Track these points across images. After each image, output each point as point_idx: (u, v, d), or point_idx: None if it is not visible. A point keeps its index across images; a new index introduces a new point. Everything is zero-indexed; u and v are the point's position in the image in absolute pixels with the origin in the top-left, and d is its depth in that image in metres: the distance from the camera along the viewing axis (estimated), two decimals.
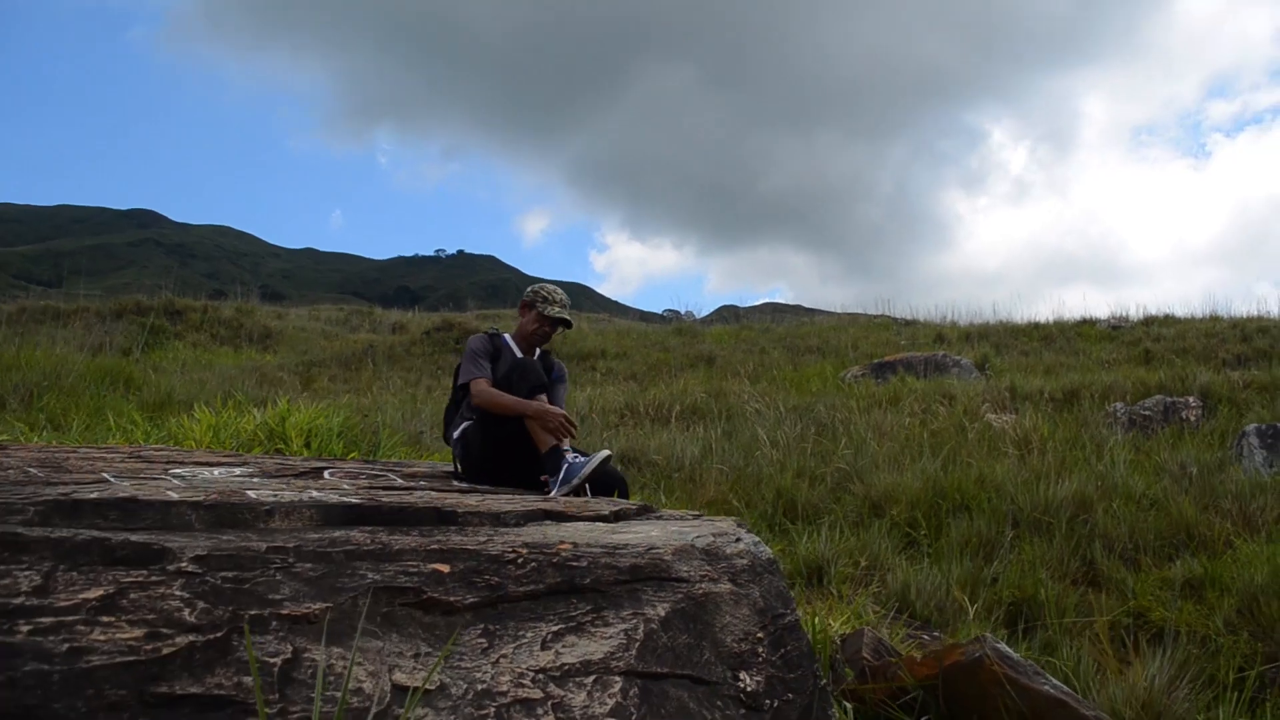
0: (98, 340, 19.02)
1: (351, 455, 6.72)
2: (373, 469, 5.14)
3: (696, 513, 3.74)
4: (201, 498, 2.48)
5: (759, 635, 2.31)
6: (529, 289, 5.24)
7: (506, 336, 5.17)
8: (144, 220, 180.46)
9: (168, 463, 4.68)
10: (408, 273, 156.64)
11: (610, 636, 1.94)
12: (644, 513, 3.51)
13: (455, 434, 4.99)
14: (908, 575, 5.87)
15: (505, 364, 4.97)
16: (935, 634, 5.02)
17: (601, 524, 2.83)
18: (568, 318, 5.16)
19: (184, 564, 1.71)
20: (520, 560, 2.07)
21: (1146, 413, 10.44)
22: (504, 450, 4.74)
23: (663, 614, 2.08)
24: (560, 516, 2.87)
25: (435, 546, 2.08)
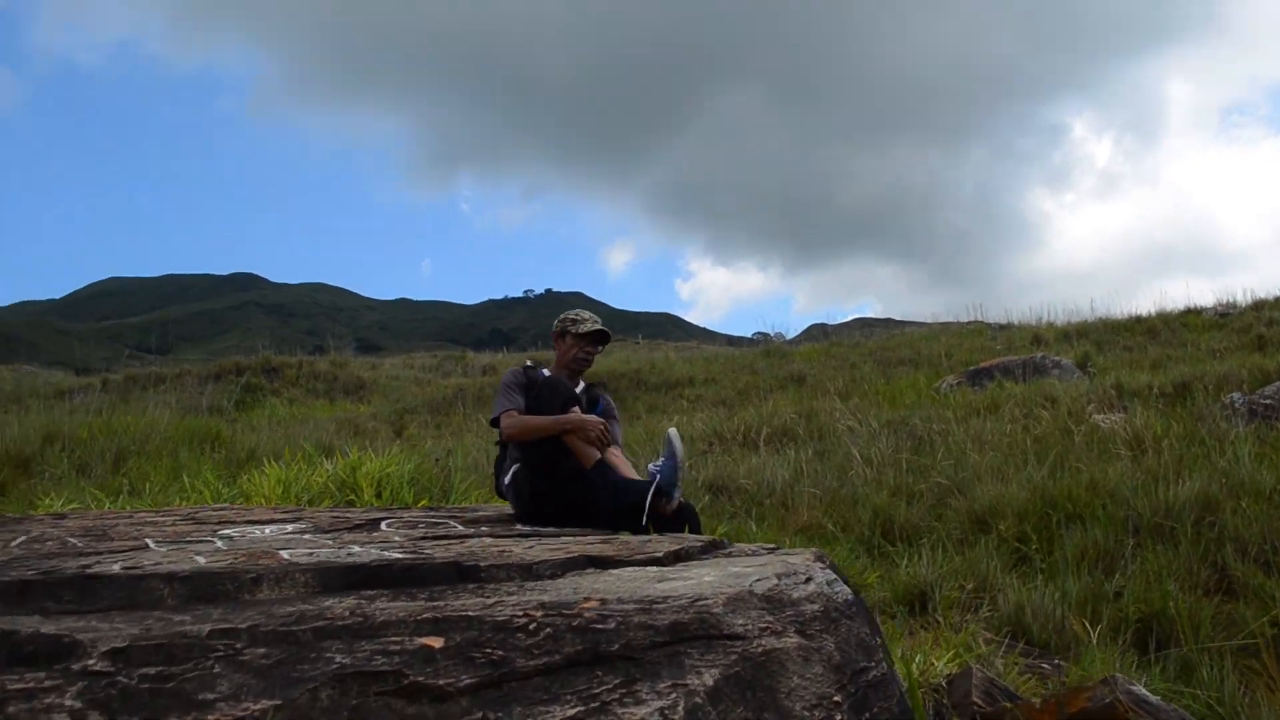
0: (194, 402, 19.37)
1: (422, 502, 6.49)
2: (436, 515, 4.87)
3: (771, 546, 3.36)
4: (189, 568, 2.19)
5: (836, 699, 1.92)
6: (557, 320, 5.02)
7: (544, 370, 4.88)
8: (244, 284, 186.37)
9: (219, 523, 4.47)
10: (499, 315, 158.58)
11: (643, 718, 1.59)
12: (712, 550, 3.16)
13: (506, 480, 4.71)
14: (1020, 596, 5.35)
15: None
16: (1056, 661, 4.53)
17: (653, 568, 2.48)
18: (604, 328, 4.91)
19: (92, 661, 1.42)
20: (532, 626, 1.74)
21: (1268, 401, 9.66)
22: (556, 483, 4.42)
23: (710, 683, 1.72)
24: (606, 563, 2.52)
25: (429, 615, 1.75)
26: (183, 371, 25.16)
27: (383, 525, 4.44)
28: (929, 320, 25.36)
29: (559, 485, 4.42)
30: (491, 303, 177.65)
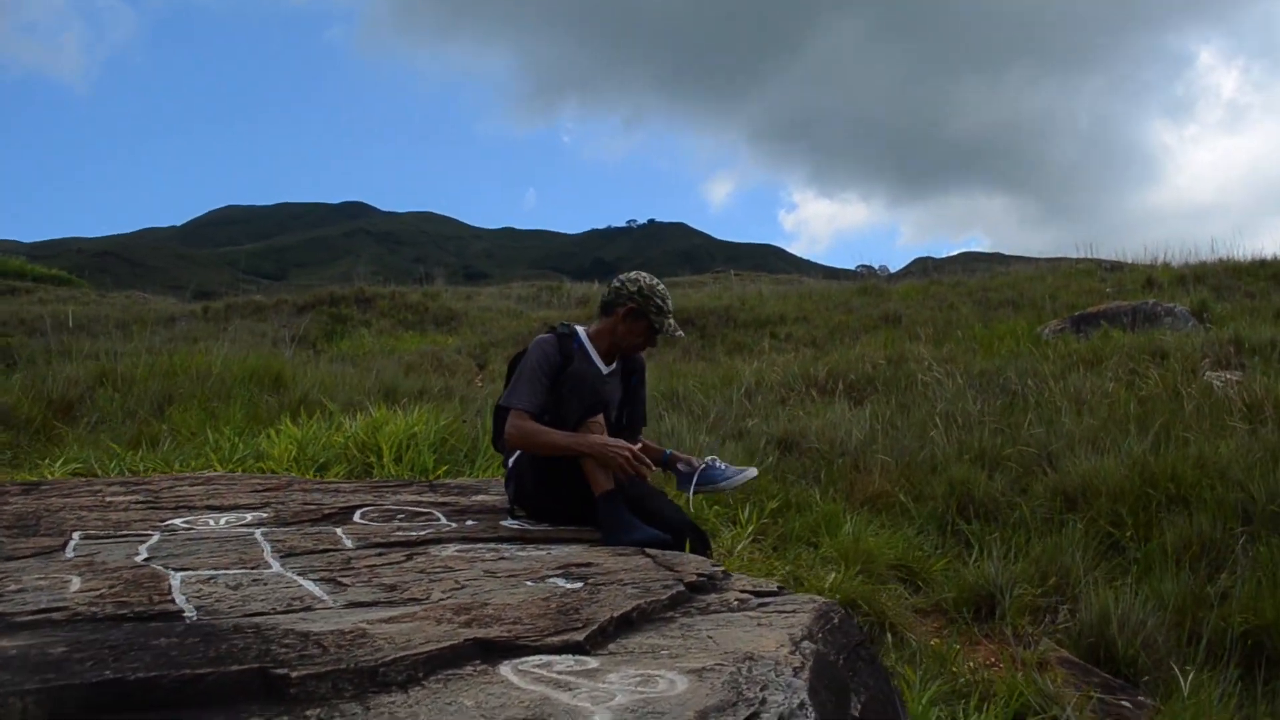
0: (287, 331, 19.29)
1: (440, 470, 5.98)
2: (424, 501, 4.32)
3: (777, 586, 2.69)
4: None
5: None
6: (630, 286, 4.09)
7: (582, 335, 4.14)
8: (354, 212, 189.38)
9: (177, 506, 3.98)
10: (601, 245, 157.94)
11: None
12: (685, 602, 2.51)
13: (510, 461, 4.07)
14: (1105, 600, 4.57)
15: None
16: (1140, 698, 3.79)
17: (568, 661, 1.84)
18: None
19: None
20: None
21: None
22: (563, 490, 3.80)
23: None
24: (503, 650, 1.89)
25: None
26: (279, 301, 25.23)
27: (355, 516, 3.92)
28: (1037, 256, 23.97)
29: (572, 495, 3.79)
30: (594, 232, 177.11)
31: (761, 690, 1.65)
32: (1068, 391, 8.60)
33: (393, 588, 2.57)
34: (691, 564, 2.90)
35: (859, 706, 1.98)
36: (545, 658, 1.85)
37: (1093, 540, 5.68)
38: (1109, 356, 9.71)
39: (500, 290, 33.28)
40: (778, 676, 1.74)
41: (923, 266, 30.10)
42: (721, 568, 2.87)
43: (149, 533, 3.58)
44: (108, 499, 4.28)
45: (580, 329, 4.15)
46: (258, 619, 2.22)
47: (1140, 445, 6.64)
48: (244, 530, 3.61)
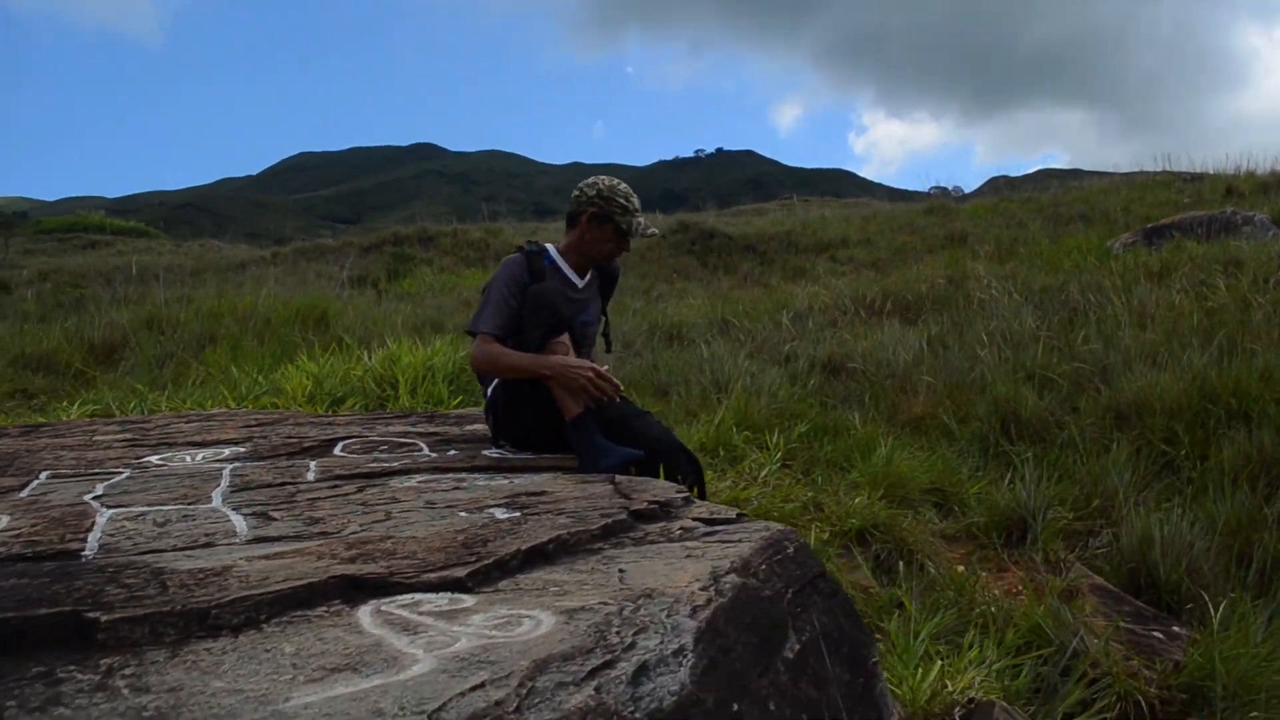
0: (352, 273, 19.34)
1: (455, 401, 5.81)
2: (416, 430, 4.14)
3: (736, 513, 2.44)
4: None
5: None
6: (589, 191, 3.83)
7: (552, 251, 3.89)
8: (425, 153, 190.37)
9: (159, 444, 3.86)
10: (670, 176, 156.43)
11: None
12: (635, 524, 2.28)
13: (489, 391, 3.86)
14: (1149, 523, 4.23)
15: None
16: (1174, 629, 3.47)
17: (423, 609, 1.62)
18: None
19: None
20: None
21: None
22: (538, 415, 3.57)
23: None
24: (374, 588, 1.68)
25: None
26: (345, 243, 25.39)
27: (336, 449, 3.76)
28: (1114, 172, 22.97)
29: (538, 417, 3.56)
30: (662, 163, 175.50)
31: (634, 634, 1.41)
32: (1131, 305, 8.12)
33: (316, 520, 2.39)
34: (653, 490, 2.66)
35: (795, 648, 1.73)
36: (416, 596, 1.63)
37: (1144, 461, 5.31)
38: (1178, 268, 9.15)
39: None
40: (668, 617, 1.50)
41: (997, 186, 29.09)
42: (685, 494, 2.62)
43: (119, 470, 3.45)
44: (95, 438, 4.17)
45: (550, 246, 3.90)
46: (148, 556, 2.05)
47: (1202, 358, 6.20)
48: (215, 466, 3.46)
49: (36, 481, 3.28)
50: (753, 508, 4.33)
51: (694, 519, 2.33)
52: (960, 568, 3.93)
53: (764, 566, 1.93)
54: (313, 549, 1.96)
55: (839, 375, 8.19)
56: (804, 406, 7.02)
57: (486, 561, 1.80)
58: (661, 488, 2.72)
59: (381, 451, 3.70)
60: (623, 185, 3.83)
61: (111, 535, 2.35)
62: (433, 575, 1.71)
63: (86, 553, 2.19)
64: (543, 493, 2.66)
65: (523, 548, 1.92)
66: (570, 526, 2.14)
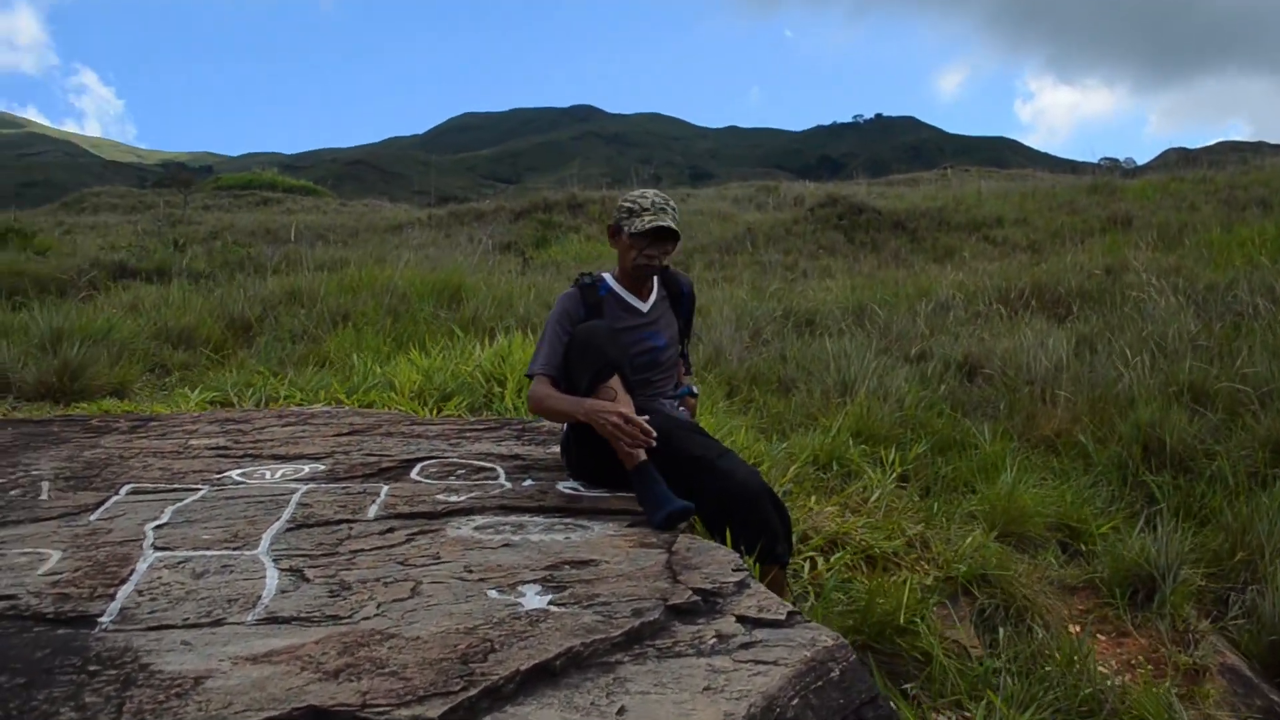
0: (499, 238, 19.57)
1: None
2: (505, 448, 4.03)
3: (787, 612, 2.20)
4: None
5: None
6: (615, 212, 3.67)
7: (609, 279, 3.68)
8: (583, 115, 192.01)
9: (245, 455, 3.87)
10: (827, 141, 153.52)
11: None
12: (670, 623, 2.08)
13: (565, 426, 3.66)
14: None
15: (612, 319, 3.59)
16: None
17: None
18: (666, 223, 3.51)
19: None
20: None
21: None
22: (604, 457, 3.34)
23: None
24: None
25: None
26: (498, 207, 25.78)
27: (413, 471, 3.67)
28: None
29: (609, 458, 3.34)
30: (820, 128, 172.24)
31: None
32: None
33: (343, 590, 2.28)
34: (708, 566, 2.45)
35: None
36: None
37: None
38: None
39: (718, 191, 32.73)
40: None
41: (1171, 159, 27.36)
42: (742, 574, 2.40)
43: (197, 487, 3.46)
44: (190, 442, 4.21)
45: (607, 275, 3.69)
46: (151, 637, 1.98)
47: None
48: (289, 487, 3.43)
49: (115, 499, 3.30)
50: (851, 544, 4.07)
51: (739, 617, 2.12)
52: (1075, 629, 3.60)
53: (796, 701, 1.72)
54: (306, 650, 1.84)
55: (974, 379, 7.76)
56: (930, 415, 6.66)
57: (472, 693, 1.63)
58: (720, 562, 2.51)
59: (456, 477, 3.60)
60: (635, 194, 3.62)
61: (141, 593, 2.31)
62: (405, 713, 1.56)
63: (104, 619, 2.14)
64: (589, 563, 2.48)
65: (524, 667, 1.75)
66: (592, 631, 1.96)
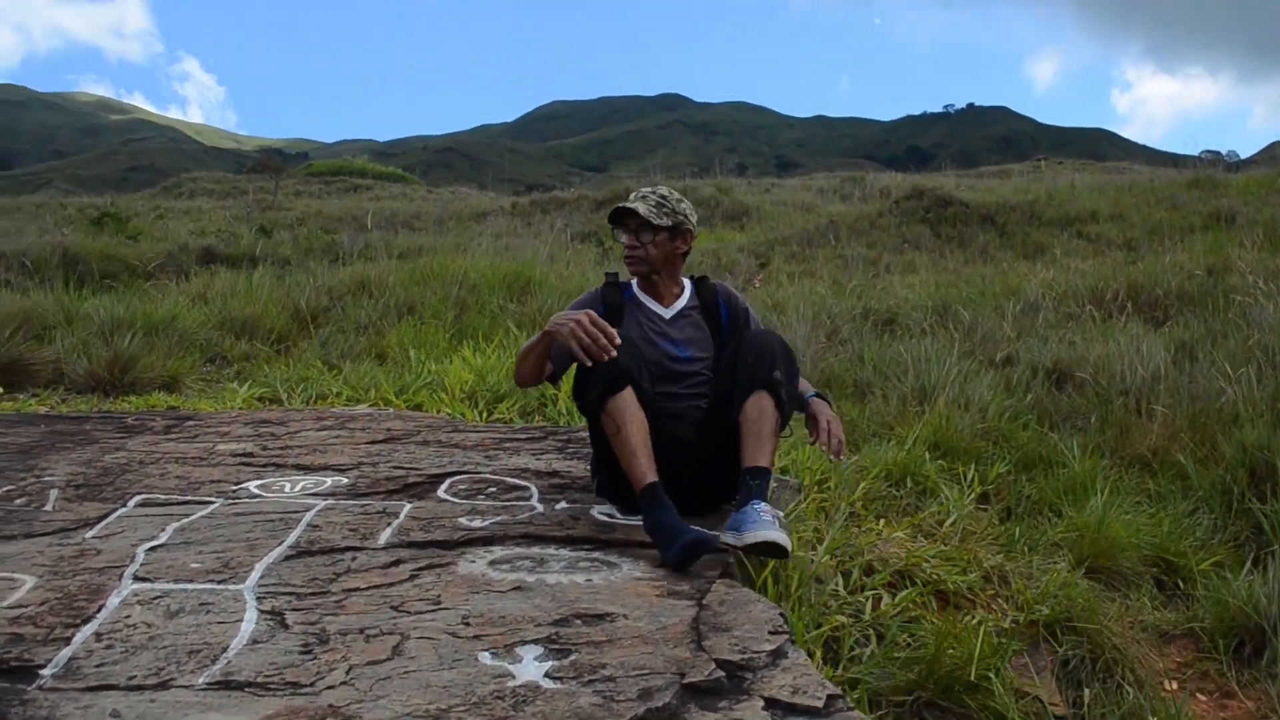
0: (577, 229, 19.38)
1: None
2: (543, 462, 3.76)
3: (826, 695, 1.86)
4: None
5: None
6: None
7: (634, 285, 3.40)
8: (671, 104, 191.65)
9: (267, 465, 3.64)
10: (916, 131, 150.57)
11: None
12: (681, 710, 1.76)
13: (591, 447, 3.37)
14: None
15: (633, 323, 3.28)
16: None
17: None
18: (619, 205, 3.30)
19: None
20: None
21: None
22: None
23: None
24: None
25: None
26: (579, 197, 25.66)
27: (440, 489, 3.41)
28: None
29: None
30: (909, 118, 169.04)
31: None
32: None
33: (318, 643, 2.02)
34: (739, 629, 2.12)
35: None
36: None
37: None
38: None
39: (803, 182, 32.18)
40: None
41: (1278, 153, 26.04)
42: (779, 641, 2.07)
43: (210, 500, 3.25)
44: (218, 446, 4.02)
45: (634, 280, 3.38)
46: (84, 698, 1.73)
47: None
48: (304, 503, 3.19)
49: (120, 512, 3.10)
50: (921, 577, 3.71)
51: (768, 700, 1.78)
52: (1172, 686, 3.19)
53: None
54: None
55: (1063, 387, 7.26)
56: (1014, 427, 6.21)
57: None
58: (755, 620, 2.18)
59: (485, 496, 3.32)
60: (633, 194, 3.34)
61: (99, 637, 2.07)
62: None
63: (46, 671, 1.91)
64: (604, 617, 2.17)
65: None
66: (587, 719, 1.65)
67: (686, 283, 3.44)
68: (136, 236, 14.61)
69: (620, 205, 3.26)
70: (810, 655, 2.93)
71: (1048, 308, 9.62)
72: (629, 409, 2.87)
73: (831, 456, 3.09)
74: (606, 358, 2.78)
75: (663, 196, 3.24)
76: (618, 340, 2.79)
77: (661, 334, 3.26)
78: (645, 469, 2.80)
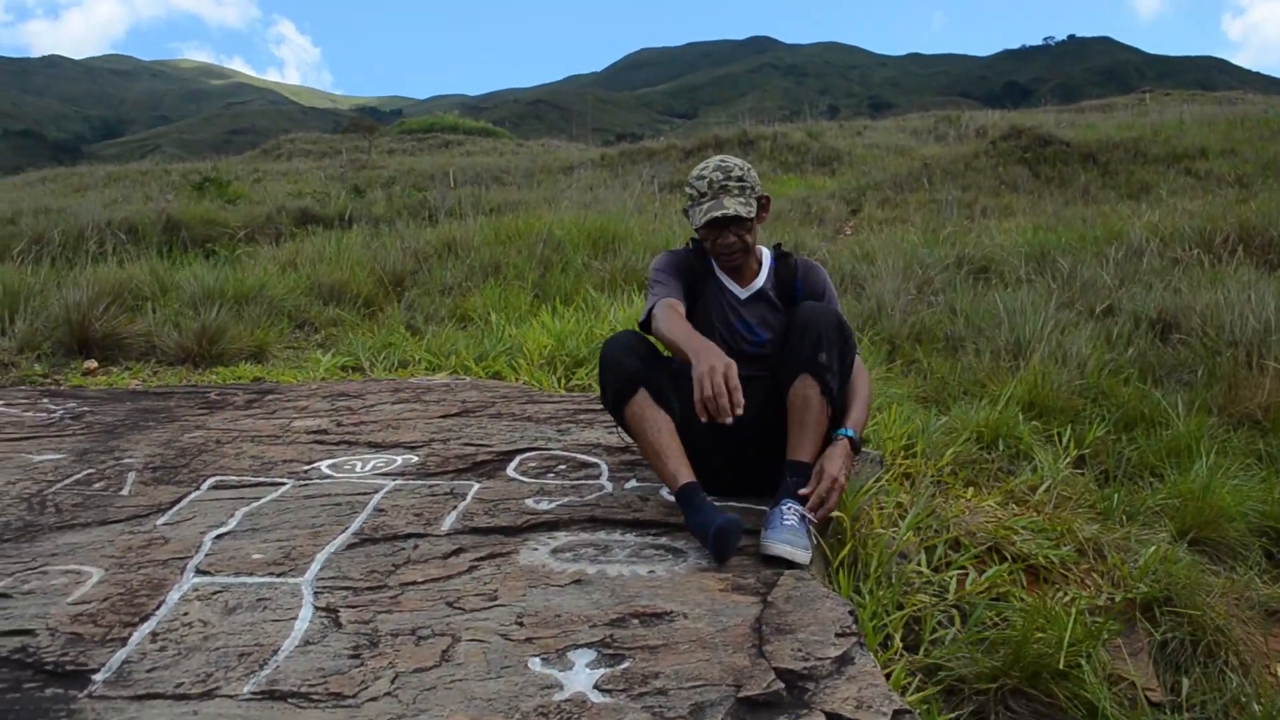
0: (665, 179, 19.19)
1: None
2: (612, 435, 3.68)
3: (894, 708, 1.76)
4: None
5: None
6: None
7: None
8: (760, 47, 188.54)
9: (340, 442, 3.65)
10: (1015, 67, 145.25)
11: None
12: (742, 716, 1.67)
13: None
14: None
15: (713, 296, 3.14)
16: None
17: None
18: (723, 211, 2.94)
19: None
20: None
21: None
22: (702, 456, 2.85)
23: None
24: None
25: None
26: (668, 146, 25.47)
27: (510, 467, 3.37)
28: None
29: (706, 462, 2.86)
30: (1006, 53, 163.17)
31: None
32: None
33: (368, 645, 1.98)
34: (803, 630, 2.02)
35: None
36: None
37: None
38: None
39: (896, 123, 31.39)
40: None
41: None
42: (852, 640, 1.95)
43: (282, 481, 3.25)
44: (295, 422, 4.03)
45: None
46: (131, 707, 1.72)
47: None
48: (373, 484, 3.17)
49: (192, 496, 3.12)
50: (1011, 550, 3.55)
51: (829, 715, 1.68)
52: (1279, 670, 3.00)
53: None
54: None
55: (1168, 339, 6.91)
56: (1115, 383, 5.93)
57: None
58: (822, 620, 2.06)
59: (555, 475, 3.26)
60: (699, 166, 3.06)
61: (155, 638, 2.07)
62: None
63: (99, 676, 1.90)
64: (663, 616, 2.08)
65: None
66: None
67: (765, 254, 3.26)
68: (236, 200, 14.90)
69: (722, 214, 2.95)
70: (889, 640, 2.83)
71: (1152, 252, 9.19)
72: (645, 412, 2.76)
73: (809, 515, 2.69)
74: (720, 420, 2.55)
75: (740, 179, 3.00)
76: (739, 411, 2.54)
77: (738, 315, 3.12)
78: (675, 470, 2.69)
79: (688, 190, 3.04)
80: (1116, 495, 4.31)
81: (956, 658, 2.83)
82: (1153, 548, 3.61)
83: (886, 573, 3.10)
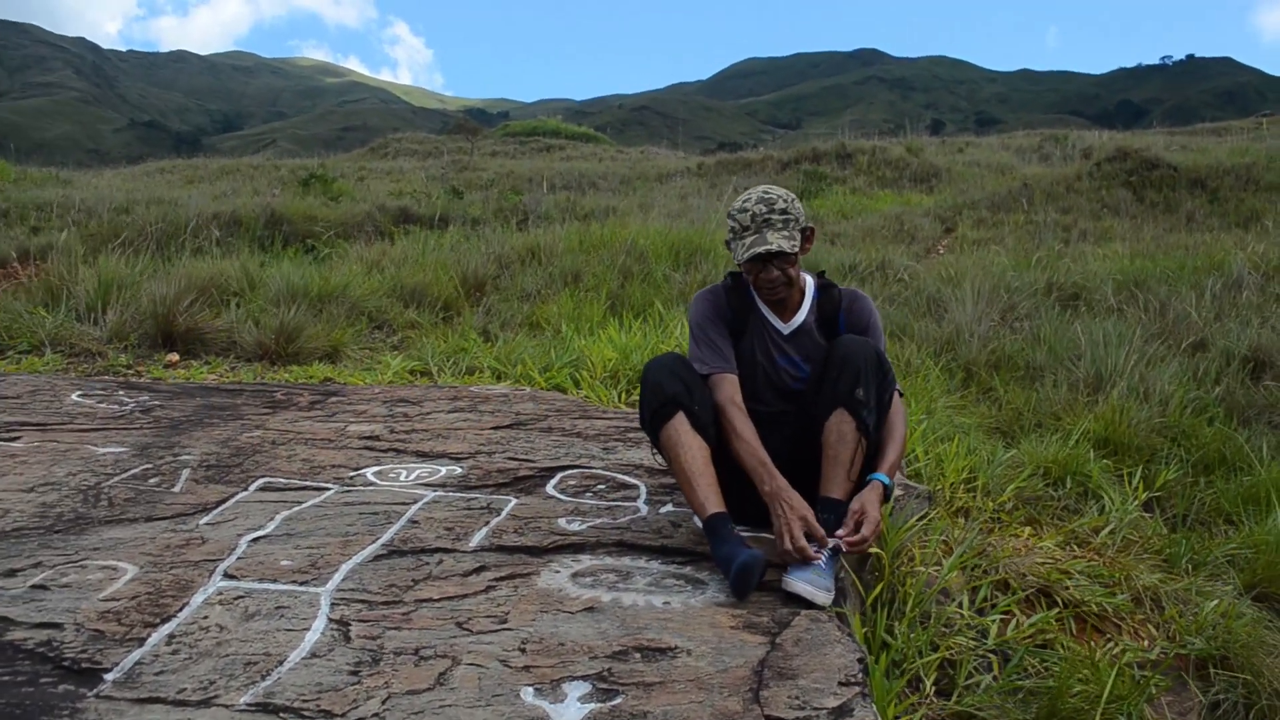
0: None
1: None
2: (656, 456, 3.66)
3: None
4: None
5: None
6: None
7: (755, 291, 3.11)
8: (867, 59, 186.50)
9: (390, 449, 3.71)
10: (1130, 85, 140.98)
11: None
12: None
13: None
14: None
15: (755, 331, 3.08)
16: None
17: None
18: (765, 248, 2.83)
19: None
20: None
21: None
22: (736, 486, 2.82)
23: None
24: None
25: None
26: (765, 157, 25.41)
27: (549, 485, 3.39)
28: None
29: (738, 492, 2.84)
30: (1122, 71, 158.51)
31: None
32: None
33: (374, 662, 2.01)
34: (818, 670, 1.98)
35: None
36: None
37: None
38: None
39: (1000, 140, 30.74)
40: None
41: None
42: (857, 689, 1.91)
43: (326, 486, 3.32)
44: (351, 426, 4.11)
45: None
46: (131, 710, 1.77)
47: None
48: (413, 494, 3.22)
49: (239, 497, 3.20)
50: (1063, 595, 3.45)
51: None
52: None
53: None
54: None
55: (1260, 378, 6.64)
56: (1198, 423, 5.72)
57: None
58: (828, 667, 2.02)
59: (591, 495, 3.27)
60: (742, 198, 2.96)
61: (171, 639, 2.13)
62: None
63: (110, 676, 1.96)
64: (666, 652, 2.07)
65: None
66: None
67: (809, 284, 3.16)
68: (339, 198, 15.24)
69: (765, 250, 2.86)
70: (920, 683, 2.76)
71: (1252, 286, 8.84)
72: (681, 437, 2.73)
73: (844, 544, 2.60)
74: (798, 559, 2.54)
75: (783, 211, 2.91)
76: (813, 556, 2.53)
77: (781, 351, 3.06)
78: (705, 498, 2.65)
79: (729, 223, 2.96)
80: (1184, 541, 4.15)
81: (989, 706, 2.76)
82: (1214, 601, 3.47)
83: (924, 612, 3.04)
